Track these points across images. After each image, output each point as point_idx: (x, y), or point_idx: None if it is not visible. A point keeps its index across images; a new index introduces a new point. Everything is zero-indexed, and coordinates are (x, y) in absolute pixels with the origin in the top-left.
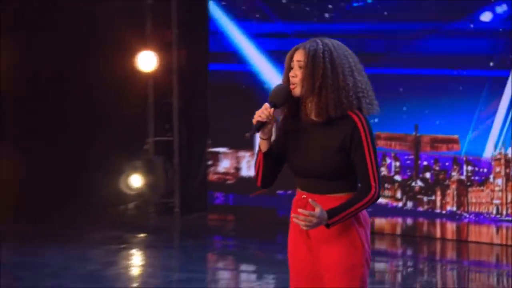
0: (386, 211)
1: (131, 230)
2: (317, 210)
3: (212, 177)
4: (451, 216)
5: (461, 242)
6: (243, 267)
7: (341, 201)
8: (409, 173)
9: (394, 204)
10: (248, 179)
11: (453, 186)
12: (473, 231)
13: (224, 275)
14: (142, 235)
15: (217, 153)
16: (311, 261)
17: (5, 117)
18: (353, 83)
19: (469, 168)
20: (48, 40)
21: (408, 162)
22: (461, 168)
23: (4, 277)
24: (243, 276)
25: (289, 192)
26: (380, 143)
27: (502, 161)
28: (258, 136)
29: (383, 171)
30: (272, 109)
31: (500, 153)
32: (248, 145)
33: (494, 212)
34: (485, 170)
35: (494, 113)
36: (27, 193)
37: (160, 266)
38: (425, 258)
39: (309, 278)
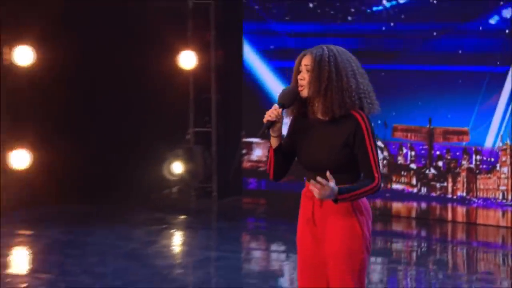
0: (402, 196)
1: (172, 212)
2: (331, 184)
3: (246, 164)
4: (461, 201)
5: (470, 224)
6: (273, 247)
7: None
8: (423, 162)
9: (410, 189)
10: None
11: (463, 174)
12: (481, 214)
13: (256, 254)
14: (182, 216)
15: (251, 143)
16: (316, 249)
17: (65, 113)
18: (356, 85)
19: (478, 157)
20: (102, 40)
21: (423, 151)
22: (470, 157)
23: (56, 254)
24: (273, 255)
25: None
26: (397, 134)
27: (508, 151)
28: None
29: (400, 160)
30: (281, 109)
31: (506, 144)
32: None
33: (500, 197)
34: (492, 159)
35: (495, 107)
36: (81, 178)
37: (198, 245)
38: (437, 239)
39: (314, 265)
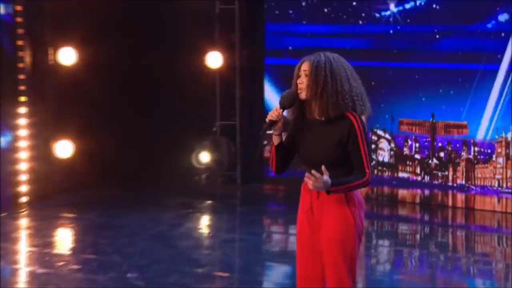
0: (407, 183)
1: (199, 197)
2: (325, 177)
3: (267, 154)
4: (461, 188)
5: (469, 209)
6: (291, 229)
7: None
8: (426, 153)
9: (414, 178)
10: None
11: (463, 164)
12: (478, 200)
13: (276, 236)
14: (208, 201)
15: (271, 135)
16: (313, 237)
17: (104, 107)
18: (349, 89)
19: (476, 149)
20: (137, 41)
21: (426, 143)
22: (469, 149)
23: (91, 235)
24: (291, 238)
25: None
26: (403, 128)
27: (503, 143)
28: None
29: (405, 151)
30: (281, 110)
31: (501, 137)
32: None
33: (496, 185)
34: (489, 150)
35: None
36: (118, 165)
37: (222, 227)
38: (439, 223)
39: (311, 252)
